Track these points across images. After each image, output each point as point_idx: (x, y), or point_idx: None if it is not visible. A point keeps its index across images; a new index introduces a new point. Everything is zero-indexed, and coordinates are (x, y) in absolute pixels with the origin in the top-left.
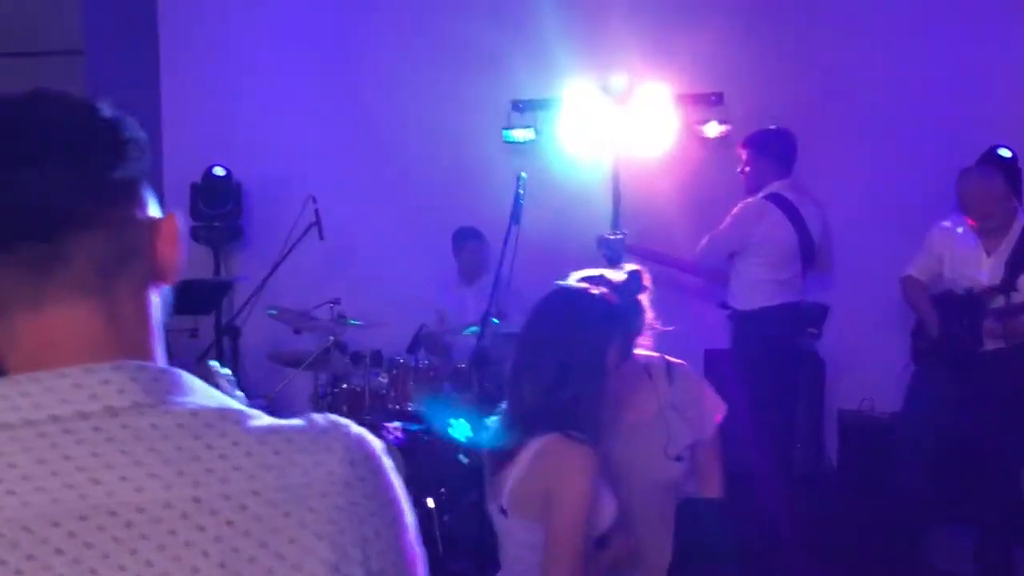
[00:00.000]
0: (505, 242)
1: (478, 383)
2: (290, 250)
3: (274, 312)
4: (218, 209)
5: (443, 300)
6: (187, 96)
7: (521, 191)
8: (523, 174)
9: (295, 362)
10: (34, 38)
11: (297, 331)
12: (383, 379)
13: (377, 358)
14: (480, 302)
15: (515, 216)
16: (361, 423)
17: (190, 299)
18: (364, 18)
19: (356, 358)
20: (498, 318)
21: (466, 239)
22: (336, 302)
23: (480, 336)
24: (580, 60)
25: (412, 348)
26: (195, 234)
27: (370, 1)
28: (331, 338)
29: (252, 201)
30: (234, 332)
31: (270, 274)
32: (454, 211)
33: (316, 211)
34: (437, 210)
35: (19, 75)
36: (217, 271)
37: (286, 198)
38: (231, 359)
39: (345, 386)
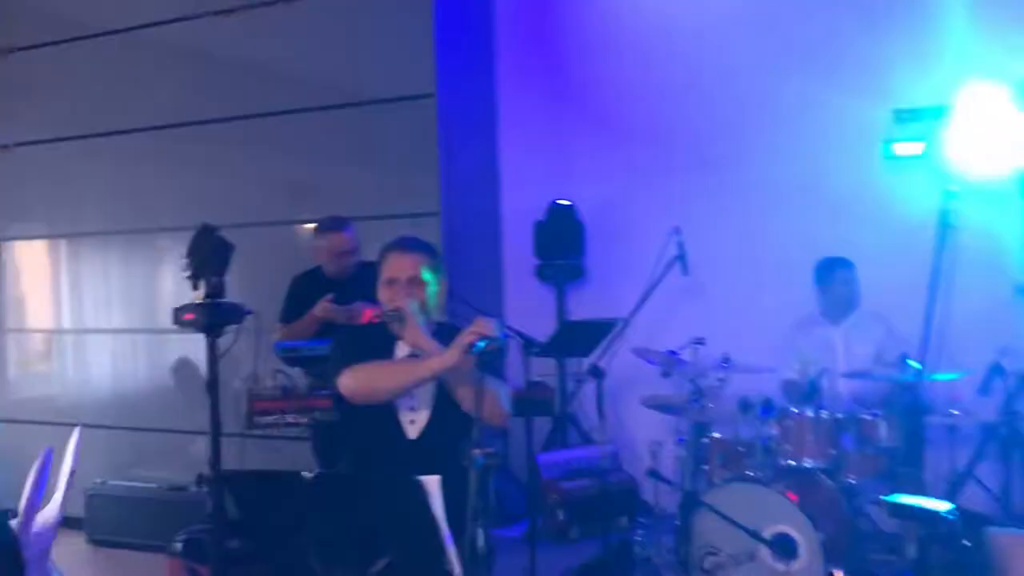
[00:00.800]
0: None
1: None
2: (655, 285)
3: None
4: (562, 246)
5: (804, 341)
6: (526, 139)
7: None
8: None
9: (666, 407)
10: (388, 84)
11: (666, 375)
12: (773, 430)
13: (768, 407)
14: (850, 343)
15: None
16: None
17: (572, 341)
18: (718, 31)
19: (745, 405)
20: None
21: (834, 269)
22: (700, 342)
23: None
24: (976, 60)
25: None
26: (540, 273)
27: (723, 11)
28: (697, 382)
29: (595, 237)
30: (598, 373)
31: (635, 311)
32: (818, 238)
33: (680, 243)
34: (798, 236)
35: (375, 121)
36: (561, 311)
37: (629, 232)
38: (595, 401)
39: (717, 436)
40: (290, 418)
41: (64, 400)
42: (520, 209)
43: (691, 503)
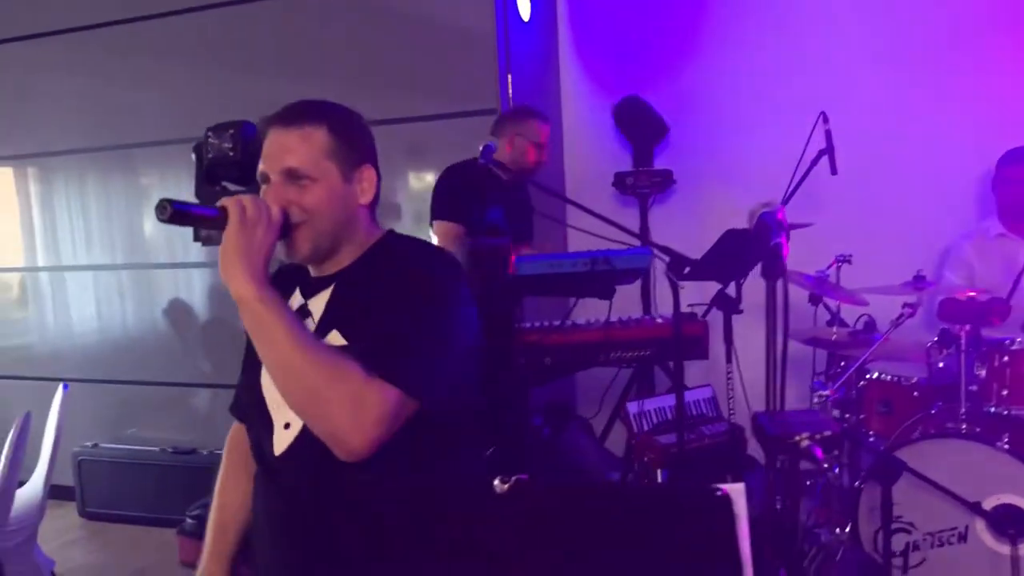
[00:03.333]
0: None
1: None
2: (800, 183)
3: None
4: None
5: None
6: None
7: None
8: None
9: (820, 343)
10: None
11: (814, 301)
12: (979, 372)
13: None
14: None
15: None
16: None
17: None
18: None
19: (947, 337)
20: None
21: None
22: (846, 259)
23: None
24: None
25: None
26: (620, 182)
27: None
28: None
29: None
30: (729, 303)
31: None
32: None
33: (828, 133)
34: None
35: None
36: (644, 229)
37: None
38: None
39: (883, 376)
40: None
41: (42, 350)
42: (583, 110)
43: (888, 467)
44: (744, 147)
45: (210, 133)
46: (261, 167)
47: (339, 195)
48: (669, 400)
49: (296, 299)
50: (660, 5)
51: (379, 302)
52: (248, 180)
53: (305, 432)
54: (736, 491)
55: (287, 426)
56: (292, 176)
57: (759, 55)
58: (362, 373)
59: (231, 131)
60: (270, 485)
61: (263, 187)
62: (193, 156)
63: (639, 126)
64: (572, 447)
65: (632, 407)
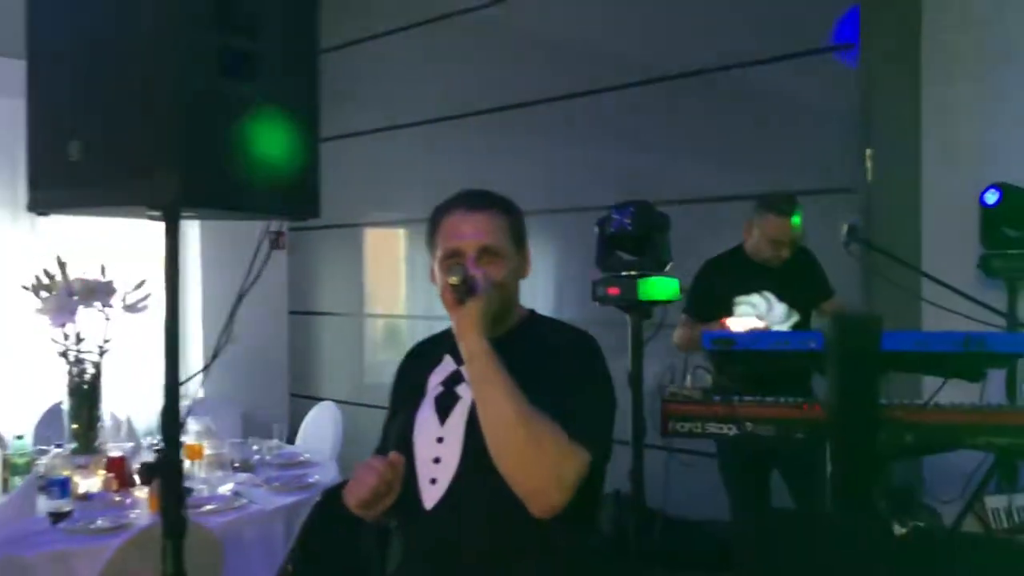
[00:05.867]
0: None
1: None
2: None
3: None
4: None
5: None
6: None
7: None
8: None
9: None
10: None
11: None
12: None
13: None
14: None
15: None
16: None
17: None
18: None
19: None
20: None
21: None
22: None
23: None
24: None
25: None
26: (985, 264)
27: None
28: None
29: None
30: None
31: None
32: None
33: None
34: None
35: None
36: (1012, 312)
37: None
38: None
39: None
40: (712, 427)
41: None
42: (947, 189)
43: None
44: None
45: (613, 209)
46: (453, 245)
47: (514, 270)
48: None
49: (449, 364)
50: None
51: (551, 371)
52: (639, 252)
53: (451, 491)
54: None
55: (433, 481)
56: (485, 252)
57: None
58: (566, 436)
59: (632, 209)
60: (418, 539)
61: (448, 261)
62: (596, 229)
63: None
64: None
65: (993, 501)
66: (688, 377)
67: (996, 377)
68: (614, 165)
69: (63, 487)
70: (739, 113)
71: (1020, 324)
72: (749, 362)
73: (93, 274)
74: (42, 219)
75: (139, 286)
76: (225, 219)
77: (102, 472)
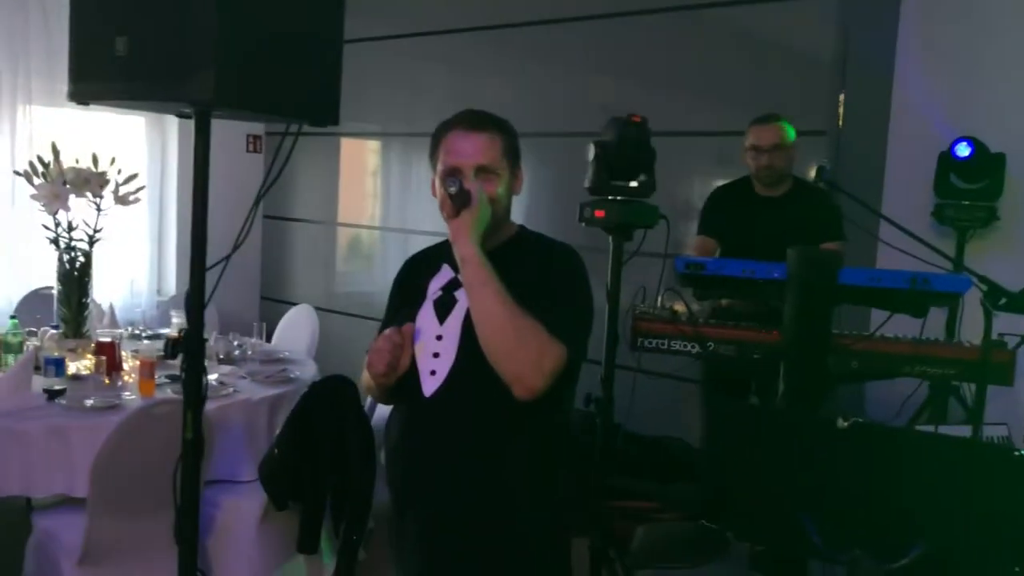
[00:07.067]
0: None
1: None
2: None
3: None
4: (973, 186)
5: None
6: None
7: None
8: None
9: None
10: None
11: None
12: None
13: None
14: None
15: None
16: None
17: None
18: None
19: None
20: None
21: None
22: None
23: None
24: None
25: None
26: (938, 213)
27: None
28: None
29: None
30: None
31: None
32: None
33: None
34: None
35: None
36: (959, 260)
37: None
38: None
39: None
40: (677, 345)
41: (381, 298)
42: (912, 137)
43: None
44: None
45: (612, 119)
46: (452, 162)
47: (509, 187)
48: (963, 431)
49: (447, 272)
50: None
51: (539, 280)
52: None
53: (449, 381)
54: None
55: (433, 373)
56: (482, 170)
57: None
58: (546, 331)
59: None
60: (417, 421)
61: (447, 176)
62: (591, 148)
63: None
64: None
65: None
66: (659, 298)
67: (938, 315)
68: (599, 93)
69: (59, 365)
70: (723, 50)
71: (965, 268)
72: (717, 287)
73: (85, 164)
74: (21, 111)
75: (130, 179)
76: (250, 120)
77: (91, 356)
